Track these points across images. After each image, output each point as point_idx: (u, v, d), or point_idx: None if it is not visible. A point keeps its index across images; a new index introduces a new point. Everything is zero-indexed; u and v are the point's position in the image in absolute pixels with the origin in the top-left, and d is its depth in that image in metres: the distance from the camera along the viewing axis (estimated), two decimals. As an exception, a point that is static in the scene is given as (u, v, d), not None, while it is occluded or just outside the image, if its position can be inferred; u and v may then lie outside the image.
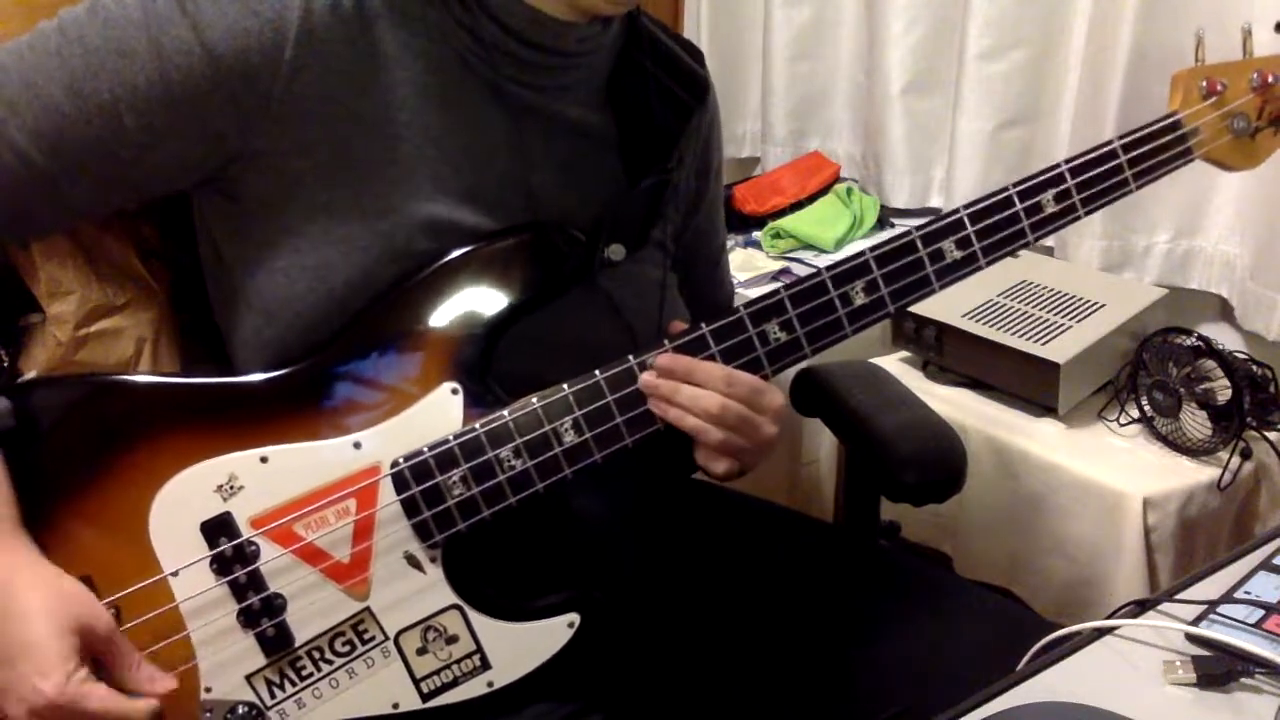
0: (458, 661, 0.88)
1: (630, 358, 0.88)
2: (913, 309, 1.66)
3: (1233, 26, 0.97)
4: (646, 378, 0.87)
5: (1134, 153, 0.93)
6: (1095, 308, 1.66)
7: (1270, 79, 0.95)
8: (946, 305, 1.67)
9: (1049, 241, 1.89)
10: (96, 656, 0.80)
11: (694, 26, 2.33)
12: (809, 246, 2.04)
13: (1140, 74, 1.68)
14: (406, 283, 0.87)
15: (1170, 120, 0.94)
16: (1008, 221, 0.91)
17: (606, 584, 0.92)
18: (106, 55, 0.81)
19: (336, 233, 0.87)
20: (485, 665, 0.89)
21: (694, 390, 0.87)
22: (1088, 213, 0.93)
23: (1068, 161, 0.92)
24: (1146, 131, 0.94)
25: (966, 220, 0.91)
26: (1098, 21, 1.74)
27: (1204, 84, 0.95)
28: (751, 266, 2.00)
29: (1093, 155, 0.92)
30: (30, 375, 0.93)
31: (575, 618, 0.89)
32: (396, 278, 0.87)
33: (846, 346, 0.94)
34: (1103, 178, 0.92)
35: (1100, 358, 1.61)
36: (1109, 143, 0.93)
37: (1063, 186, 0.92)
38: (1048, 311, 1.65)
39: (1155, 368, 1.55)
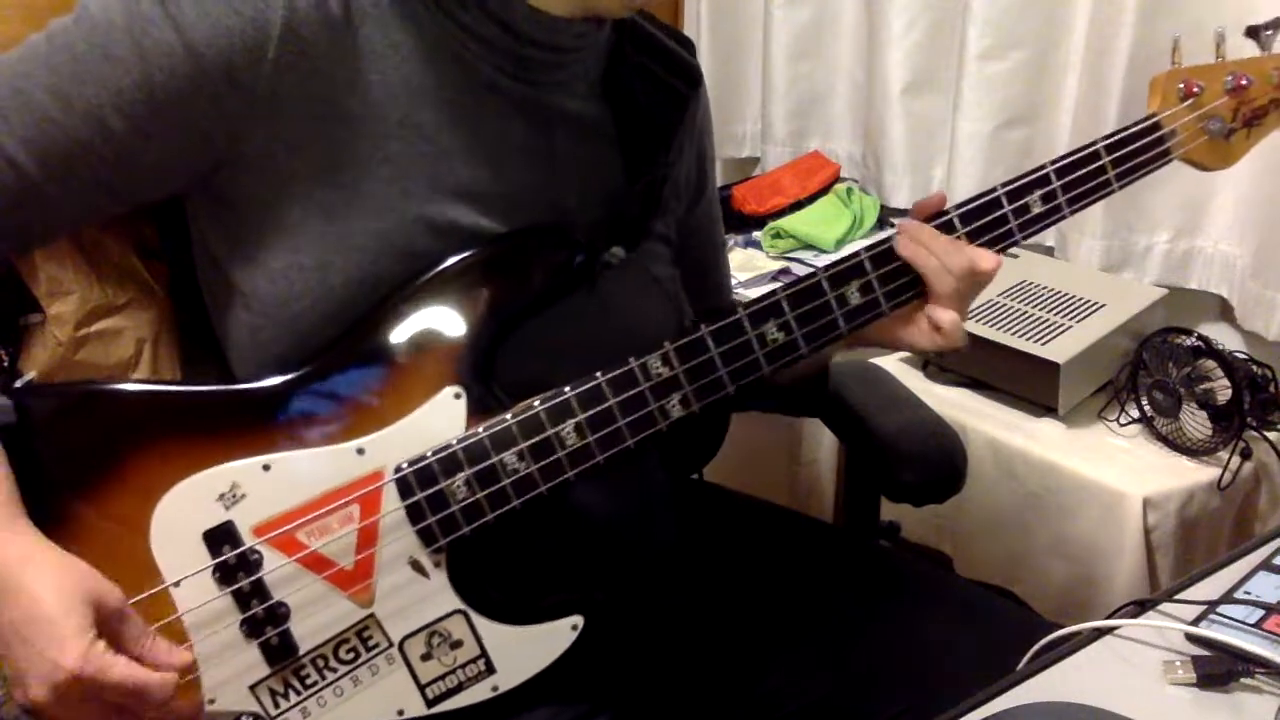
0: (462, 666, 0.88)
1: (631, 360, 0.88)
2: (912, 309, 1.67)
3: (1234, 26, 0.98)
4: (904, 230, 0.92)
5: (1116, 154, 0.95)
6: (1095, 308, 1.65)
7: (1244, 81, 0.97)
8: (946, 305, 1.67)
9: (1049, 241, 1.89)
10: (108, 632, 0.79)
11: (694, 26, 2.32)
12: (809, 246, 2.04)
13: (1140, 74, 1.68)
14: (407, 288, 0.87)
15: (1150, 122, 0.96)
16: (997, 222, 0.93)
17: (609, 585, 0.92)
18: (92, 61, 0.81)
19: (333, 232, 0.86)
20: (490, 669, 0.89)
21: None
22: (1073, 212, 0.95)
23: (1054, 162, 0.94)
24: (1128, 133, 0.95)
25: (957, 221, 0.92)
26: (1098, 21, 1.74)
27: (1181, 86, 0.97)
28: (751, 266, 1.99)
29: (1077, 156, 0.94)
30: (30, 375, 0.93)
31: (579, 620, 0.90)
32: (397, 277, 0.87)
33: (846, 346, 0.94)
34: (1087, 178, 0.94)
35: (1100, 358, 1.61)
36: (1093, 143, 0.94)
37: (1049, 187, 0.93)
38: (1048, 311, 1.65)
39: (1155, 368, 1.55)
